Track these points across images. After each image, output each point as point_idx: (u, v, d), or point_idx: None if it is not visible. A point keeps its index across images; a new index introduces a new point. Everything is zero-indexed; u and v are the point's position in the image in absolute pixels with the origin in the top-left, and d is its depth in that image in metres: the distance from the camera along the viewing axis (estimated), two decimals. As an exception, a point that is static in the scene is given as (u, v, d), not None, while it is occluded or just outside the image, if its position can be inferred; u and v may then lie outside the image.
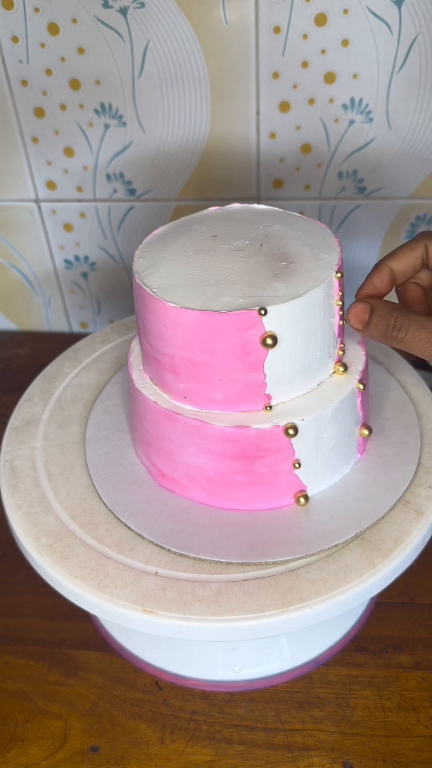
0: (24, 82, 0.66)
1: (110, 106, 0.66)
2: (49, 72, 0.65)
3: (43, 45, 0.64)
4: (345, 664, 0.50)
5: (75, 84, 0.65)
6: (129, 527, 0.44)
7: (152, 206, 0.72)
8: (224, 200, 0.71)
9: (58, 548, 0.43)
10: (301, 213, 0.70)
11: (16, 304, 0.83)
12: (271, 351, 0.40)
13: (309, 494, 0.44)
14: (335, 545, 0.42)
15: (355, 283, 0.75)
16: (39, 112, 0.68)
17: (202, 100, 0.65)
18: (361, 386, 0.44)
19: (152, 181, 0.70)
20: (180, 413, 0.42)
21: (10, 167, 0.72)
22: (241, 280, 0.41)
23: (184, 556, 0.42)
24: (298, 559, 0.41)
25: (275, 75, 0.63)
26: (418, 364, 0.75)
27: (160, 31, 0.61)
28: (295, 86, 0.64)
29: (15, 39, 0.64)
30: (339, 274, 0.42)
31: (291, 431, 0.41)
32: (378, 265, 0.43)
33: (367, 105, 0.64)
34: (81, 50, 0.63)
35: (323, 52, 0.61)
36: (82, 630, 0.53)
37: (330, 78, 0.63)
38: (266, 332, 0.39)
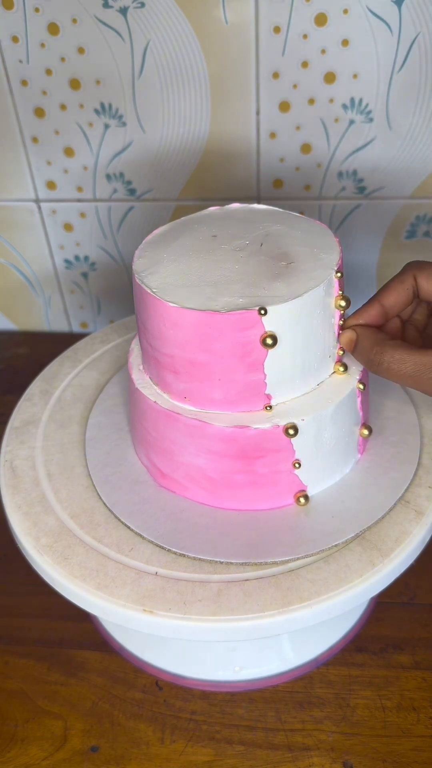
0: (24, 82, 0.66)
1: (110, 106, 0.66)
2: (49, 72, 0.65)
3: (43, 45, 0.64)
4: (345, 664, 0.50)
5: (75, 84, 0.65)
6: (129, 527, 0.44)
7: (152, 206, 0.72)
8: (224, 200, 0.71)
9: (58, 548, 0.43)
10: (301, 213, 0.70)
11: (16, 304, 0.83)
12: (271, 351, 0.40)
13: (309, 494, 0.44)
14: (335, 545, 0.42)
15: (355, 283, 0.76)
16: (39, 112, 0.68)
17: (202, 100, 0.65)
18: (361, 386, 0.44)
19: (152, 181, 0.70)
20: (180, 413, 0.42)
21: (10, 167, 0.72)
22: (241, 280, 0.41)
23: (184, 556, 0.42)
24: (298, 559, 0.41)
25: (275, 75, 0.63)
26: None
27: (160, 31, 0.61)
28: (295, 86, 0.64)
29: (15, 39, 0.64)
30: (339, 274, 0.42)
31: (291, 431, 0.41)
32: (369, 302, 0.43)
33: (367, 105, 0.64)
34: (81, 50, 0.63)
35: (323, 52, 0.61)
36: (82, 630, 0.53)
37: (330, 78, 0.63)
38: (266, 332, 0.39)
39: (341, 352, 0.45)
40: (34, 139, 0.69)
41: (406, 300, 0.43)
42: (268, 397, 0.42)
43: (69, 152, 0.70)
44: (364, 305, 0.43)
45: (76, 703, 0.49)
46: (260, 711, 0.48)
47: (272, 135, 0.67)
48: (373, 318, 0.43)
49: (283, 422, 0.41)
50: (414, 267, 0.43)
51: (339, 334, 0.44)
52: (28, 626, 0.54)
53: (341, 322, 0.44)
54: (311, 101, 0.64)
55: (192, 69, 0.63)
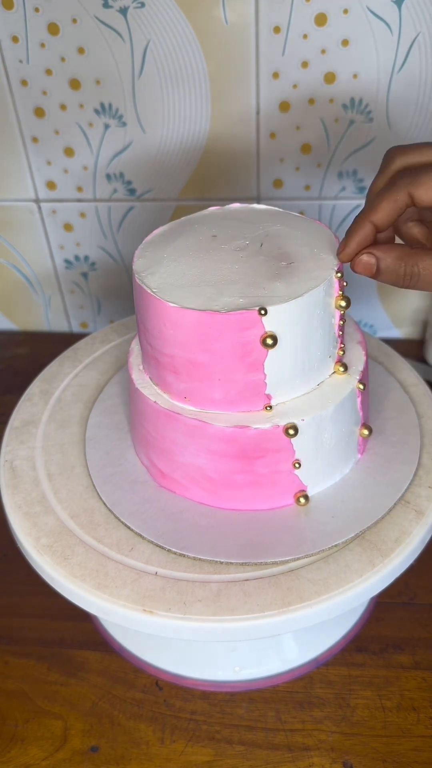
0: (24, 82, 0.66)
1: (110, 106, 0.66)
2: (49, 72, 0.65)
3: (43, 45, 0.64)
4: (345, 664, 0.50)
5: (75, 84, 0.65)
6: (129, 527, 0.44)
7: (152, 206, 0.72)
8: (224, 200, 0.71)
9: (58, 548, 0.43)
10: (301, 213, 0.70)
11: (16, 304, 0.83)
12: (271, 351, 0.40)
13: (309, 494, 0.44)
14: (335, 545, 0.42)
15: (355, 283, 0.76)
16: (39, 112, 0.68)
17: (202, 100, 0.65)
18: (361, 386, 0.44)
19: (152, 181, 0.70)
20: (180, 413, 0.42)
21: (10, 167, 0.72)
22: (241, 280, 0.41)
23: (184, 556, 0.42)
24: (298, 559, 0.41)
25: (275, 75, 0.63)
26: (418, 357, 0.75)
27: (160, 31, 0.61)
28: (295, 86, 0.64)
29: (15, 39, 0.64)
30: (339, 274, 0.42)
31: (291, 431, 0.41)
32: (358, 223, 0.40)
33: (367, 105, 0.64)
34: (81, 50, 0.63)
35: (323, 52, 0.61)
36: (82, 630, 0.53)
37: (330, 78, 0.63)
38: (266, 332, 0.39)
39: (341, 352, 0.45)
40: (34, 139, 0.69)
41: (396, 217, 0.39)
42: (268, 397, 0.42)
43: (69, 152, 0.70)
44: (352, 226, 0.40)
45: (76, 703, 0.49)
46: (260, 711, 0.48)
47: (272, 135, 0.67)
48: (369, 239, 0.40)
49: (283, 422, 0.41)
50: (407, 182, 0.38)
51: (352, 264, 0.41)
52: (28, 626, 0.54)
53: (341, 322, 0.43)
54: (311, 101, 0.64)
55: (192, 69, 0.63)
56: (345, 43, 0.61)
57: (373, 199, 0.39)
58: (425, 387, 0.53)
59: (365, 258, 0.39)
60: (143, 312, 0.43)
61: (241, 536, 0.42)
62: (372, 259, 0.39)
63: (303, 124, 0.66)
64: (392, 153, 0.40)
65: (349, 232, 0.40)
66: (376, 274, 0.40)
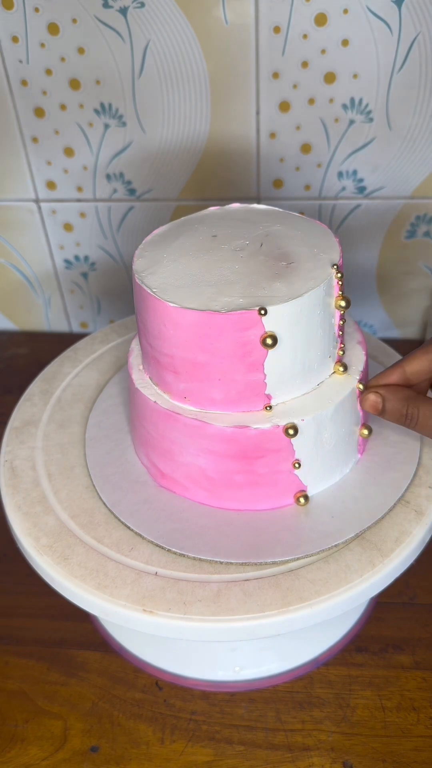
0: (24, 82, 0.66)
1: (110, 106, 0.66)
2: (49, 72, 0.65)
3: (43, 45, 0.64)
4: (345, 664, 0.50)
5: (75, 84, 0.65)
6: (129, 527, 0.44)
7: (152, 206, 0.72)
8: (224, 200, 0.71)
9: (58, 548, 0.43)
10: (301, 213, 0.70)
11: (16, 304, 0.83)
12: (271, 351, 0.40)
13: (309, 494, 0.44)
14: (335, 545, 0.42)
15: (355, 283, 0.76)
16: (39, 112, 0.68)
17: (202, 100, 0.65)
18: (361, 386, 0.44)
19: (152, 181, 0.70)
20: (180, 413, 0.42)
21: (10, 167, 0.72)
22: (241, 280, 0.41)
23: (184, 556, 0.42)
24: (298, 559, 0.41)
25: (275, 75, 0.63)
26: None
27: (160, 31, 0.61)
28: (295, 86, 0.64)
29: (15, 39, 0.64)
30: (339, 274, 0.42)
31: (291, 431, 0.41)
32: (392, 366, 0.43)
33: (367, 105, 0.64)
34: (81, 50, 0.63)
35: (323, 52, 0.61)
36: (82, 630, 0.53)
37: (330, 78, 0.63)
38: (266, 332, 0.39)
39: (341, 352, 0.45)
40: (34, 139, 0.69)
41: (430, 369, 0.43)
42: (268, 397, 0.42)
43: (69, 152, 0.70)
44: (386, 369, 0.43)
45: (76, 703, 0.49)
46: (260, 711, 0.48)
47: (272, 135, 0.67)
48: (395, 383, 0.43)
49: (283, 422, 0.41)
50: None
51: (360, 397, 0.44)
52: (28, 626, 0.54)
53: (341, 322, 0.44)
54: (311, 101, 0.64)
55: (192, 69, 0.63)
56: (345, 43, 0.61)
57: (412, 352, 0.43)
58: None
59: (372, 397, 0.42)
60: (143, 312, 0.43)
61: (241, 536, 0.42)
62: (378, 398, 0.42)
63: (303, 124, 0.66)
64: None
65: (383, 373, 0.43)
66: (381, 413, 0.42)
